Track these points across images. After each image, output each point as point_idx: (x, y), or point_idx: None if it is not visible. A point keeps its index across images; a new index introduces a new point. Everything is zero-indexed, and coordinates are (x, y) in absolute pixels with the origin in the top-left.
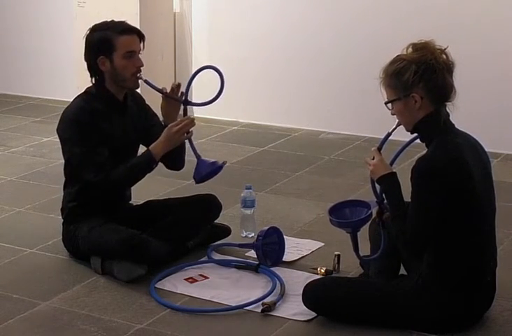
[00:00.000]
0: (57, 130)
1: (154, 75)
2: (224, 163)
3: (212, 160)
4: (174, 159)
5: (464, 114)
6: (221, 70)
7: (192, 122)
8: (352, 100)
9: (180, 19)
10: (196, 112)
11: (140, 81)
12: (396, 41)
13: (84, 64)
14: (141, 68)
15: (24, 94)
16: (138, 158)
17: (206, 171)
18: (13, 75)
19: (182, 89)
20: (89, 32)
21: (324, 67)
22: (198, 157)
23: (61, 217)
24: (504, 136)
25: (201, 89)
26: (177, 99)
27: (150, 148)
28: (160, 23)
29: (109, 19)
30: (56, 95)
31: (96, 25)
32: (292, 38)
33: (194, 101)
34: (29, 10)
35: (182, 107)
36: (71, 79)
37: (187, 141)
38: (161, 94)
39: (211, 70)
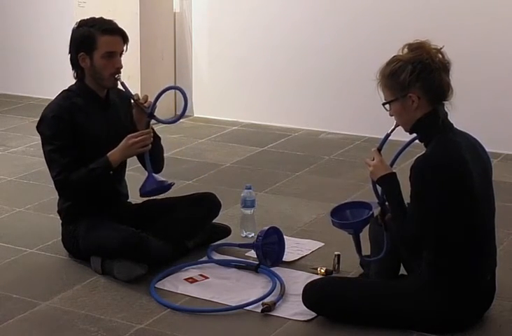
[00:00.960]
0: (36, 127)
1: (154, 75)
2: (171, 184)
3: (162, 179)
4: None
5: (463, 114)
6: (185, 91)
7: (150, 136)
8: (352, 100)
9: (180, 19)
10: (197, 112)
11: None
12: (397, 41)
13: None
14: (121, 69)
15: (24, 94)
16: (97, 163)
17: (151, 187)
18: (13, 75)
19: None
20: (76, 26)
21: (324, 67)
22: (149, 172)
23: (59, 218)
24: (504, 136)
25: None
26: (144, 109)
27: (108, 154)
28: (160, 23)
29: (126, 25)
30: (56, 95)
31: (83, 20)
32: (291, 38)
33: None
34: (28, 11)
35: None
36: (71, 79)
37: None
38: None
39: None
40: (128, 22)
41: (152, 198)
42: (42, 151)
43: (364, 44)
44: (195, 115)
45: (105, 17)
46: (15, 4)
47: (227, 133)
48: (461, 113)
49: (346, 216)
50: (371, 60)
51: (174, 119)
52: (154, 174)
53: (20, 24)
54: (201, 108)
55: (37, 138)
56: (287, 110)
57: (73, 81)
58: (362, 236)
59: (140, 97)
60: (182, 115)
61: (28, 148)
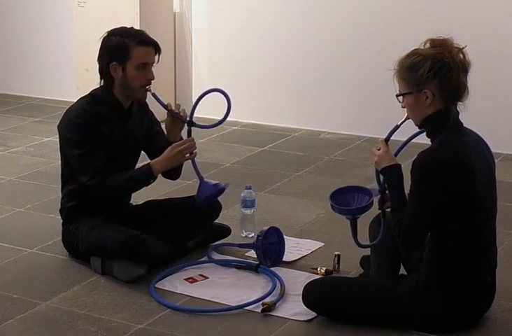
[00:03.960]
0: (58, 128)
1: (155, 75)
2: (226, 185)
3: (215, 182)
4: (171, 171)
5: (464, 114)
6: (227, 93)
7: (195, 144)
8: (352, 100)
9: (180, 19)
10: (197, 112)
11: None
12: (397, 42)
13: (85, 64)
14: (152, 81)
15: (24, 94)
16: (137, 171)
17: (209, 193)
18: (13, 75)
19: (184, 107)
20: (107, 35)
21: (324, 67)
22: (201, 178)
23: (60, 217)
24: (504, 136)
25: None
26: (181, 118)
27: (151, 162)
28: (160, 23)
29: (129, 26)
30: (56, 95)
31: (115, 30)
32: (291, 38)
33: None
34: (28, 10)
35: (186, 127)
36: (71, 79)
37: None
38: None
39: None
40: (128, 22)
41: (152, 199)
42: (48, 149)
43: (365, 45)
44: (195, 115)
45: (105, 17)
46: (15, 4)
47: (227, 133)
48: (462, 112)
49: (346, 200)
50: (371, 60)
51: (217, 122)
52: (206, 179)
53: (20, 24)
54: (201, 108)
55: (37, 138)
56: (287, 110)
57: (72, 81)
58: (363, 236)
59: (173, 106)
60: (225, 118)
61: (28, 148)
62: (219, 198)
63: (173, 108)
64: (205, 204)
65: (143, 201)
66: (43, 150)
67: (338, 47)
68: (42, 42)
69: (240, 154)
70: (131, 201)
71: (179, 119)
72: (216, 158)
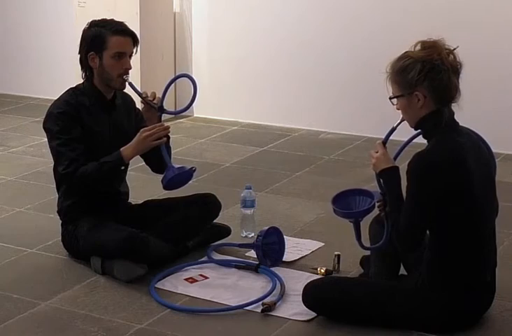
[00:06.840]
0: (43, 124)
1: (154, 75)
2: (192, 169)
3: (180, 166)
4: (158, 163)
5: (464, 114)
6: (194, 78)
7: (165, 129)
8: (352, 100)
9: (180, 19)
10: (197, 112)
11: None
12: (397, 42)
13: None
14: (129, 70)
15: (24, 94)
16: (108, 157)
17: (171, 175)
18: (13, 75)
19: (184, 106)
20: (87, 27)
21: (324, 67)
22: (167, 163)
23: (59, 218)
24: (504, 136)
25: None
26: (152, 105)
27: (121, 149)
28: (160, 23)
29: (109, 18)
30: (56, 95)
31: (94, 21)
32: (291, 38)
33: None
34: (28, 10)
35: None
36: (71, 79)
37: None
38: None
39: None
40: (128, 22)
41: (151, 199)
42: (48, 149)
43: (364, 45)
44: (195, 115)
45: (105, 17)
46: (15, 4)
47: (227, 133)
48: (461, 112)
49: (349, 204)
50: (371, 60)
51: (183, 108)
52: (173, 165)
53: (20, 24)
54: (201, 108)
55: (37, 138)
56: (287, 110)
57: (72, 81)
58: (362, 237)
59: (149, 94)
60: (192, 103)
61: (28, 148)
62: (219, 197)
63: (149, 96)
64: (170, 187)
65: (142, 201)
66: (43, 150)
67: (338, 47)
68: (42, 42)
69: (240, 154)
70: (130, 201)
71: (151, 106)
72: (216, 158)
